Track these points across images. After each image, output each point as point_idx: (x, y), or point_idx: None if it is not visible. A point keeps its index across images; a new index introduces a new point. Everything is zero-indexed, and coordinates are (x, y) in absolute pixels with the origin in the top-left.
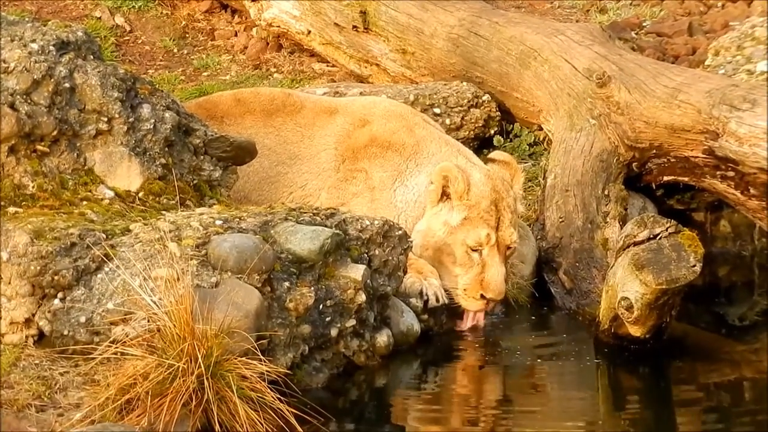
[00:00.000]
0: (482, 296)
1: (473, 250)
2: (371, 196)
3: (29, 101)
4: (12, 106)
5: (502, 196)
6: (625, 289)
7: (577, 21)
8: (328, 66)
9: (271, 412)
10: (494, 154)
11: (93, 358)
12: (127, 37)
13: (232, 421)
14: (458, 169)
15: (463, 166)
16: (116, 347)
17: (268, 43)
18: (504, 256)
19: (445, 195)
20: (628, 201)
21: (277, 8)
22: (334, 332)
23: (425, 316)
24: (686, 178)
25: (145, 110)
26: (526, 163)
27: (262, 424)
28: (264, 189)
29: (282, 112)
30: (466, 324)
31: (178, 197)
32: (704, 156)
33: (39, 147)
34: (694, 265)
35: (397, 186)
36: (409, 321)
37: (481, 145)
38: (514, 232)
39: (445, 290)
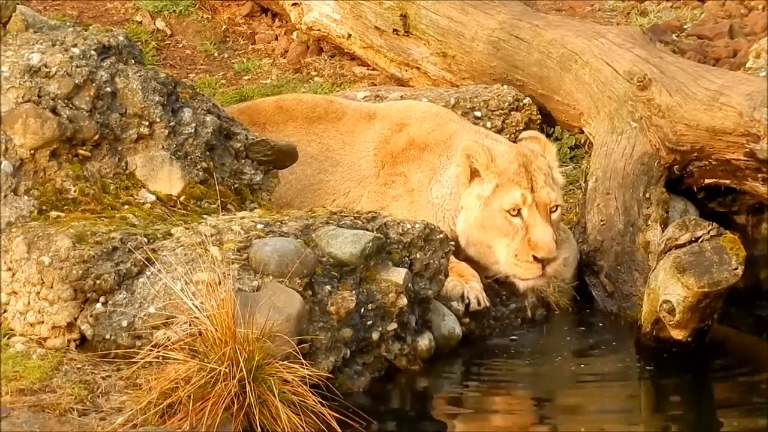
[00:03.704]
0: (534, 258)
1: (513, 216)
2: (410, 198)
3: (71, 106)
4: (53, 110)
5: (530, 160)
6: (667, 293)
7: (617, 24)
8: (368, 69)
9: (312, 415)
10: (523, 134)
11: (135, 362)
12: (167, 41)
13: (273, 424)
14: (477, 143)
15: (484, 143)
16: (158, 351)
17: (308, 47)
18: (547, 216)
19: (474, 174)
20: (670, 204)
21: (317, 12)
22: (375, 336)
23: (467, 320)
24: (727, 181)
25: (186, 114)
26: (567, 166)
27: (303, 428)
28: (307, 196)
29: (324, 120)
30: (525, 284)
31: (219, 201)
32: (745, 158)
33: (80, 151)
34: (736, 268)
35: (433, 184)
36: (450, 324)
37: None
38: (551, 192)
39: (497, 277)
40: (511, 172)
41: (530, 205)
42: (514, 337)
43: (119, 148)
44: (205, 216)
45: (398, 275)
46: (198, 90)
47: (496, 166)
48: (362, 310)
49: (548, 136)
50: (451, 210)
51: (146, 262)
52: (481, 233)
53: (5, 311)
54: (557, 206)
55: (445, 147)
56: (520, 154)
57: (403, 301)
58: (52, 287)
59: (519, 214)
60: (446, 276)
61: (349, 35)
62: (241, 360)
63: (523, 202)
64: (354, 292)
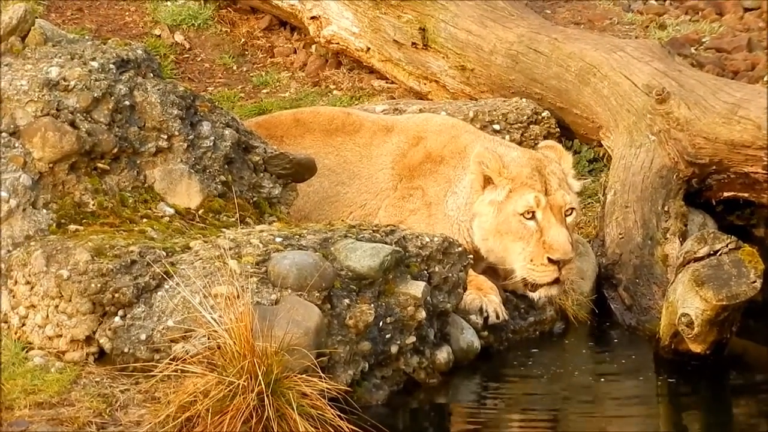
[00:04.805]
0: (550, 261)
1: (527, 219)
2: (428, 212)
3: (89, 119)
4: (72, 124)
5: (544, 164)
6: (686, 306)
7: (636, 37)
8: (387, 83)
9: (331, 429)
10: (540, 144)
11: (153, 376)
12: (186, 55)
13: None
14: (488, 150)
15: (497, 150)
16: (176, 364)
17: (327, 60)
18: (562, 219)
19: (487, 181)
20: (688, 217)
21: (336, 25)
22: (394, 349)
23: (485, 333)
24: (746, 194)
25: (205, 128)
26: (585, 179)
27: None
28: (324, 208)
29: (341, 132)
30: (539, 294)
31: (237, 214)
32: (764, 172)
33: (99, 165)
34: (755, 281)
35: (449, 196)
36: (469, 338)
37: None
38: (566, 195)
39: (515, 282)
40: (524, 176)
41: (544, 207)
42: (533, 350)
43: (138, 162)
44: (223, 229)
45: (417, 288)
46: (216, 103)
47: (508, 172)
48: (381, 323)
49: (567, 149)
50: (466, 221)
51: (165, 276)
52: (497, 239)
53: (24, 324)
54: (572, 209)
55: (460, 158)
56: (533, 159)
57: (422, 314)
58: (70, 301)
59: (533, 217)
60: (465, 289)
61: (368, 48)
62: (259, 373)
63: (537, 205)
64: (372, 305)
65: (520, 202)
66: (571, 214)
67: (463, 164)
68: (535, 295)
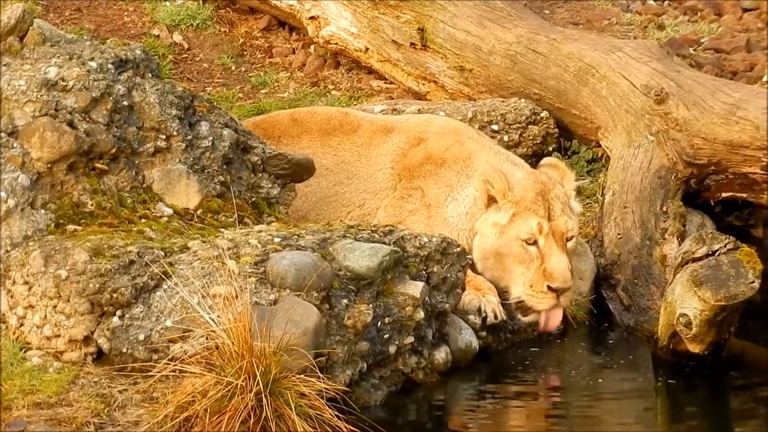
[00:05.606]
0: (549, 288)
1: (529, 244)
2: (428, 213)
3: (88, 119)
4: (71, 124)
5: (548, 188)
6: (684, 306)
7: (634, 38)
8: (386, 83)
9: (329, 429)
10: (543, 161)
11: (151, 376)
12: (185, 55)
13: None
14: (495, 170)
15: (503, 168)
16: (175, 365)
17: (325, 61)
18: (563, 245)
19: (491, 201)
20: (687, 217)
21: (335, 25)
22: (392, 349)
23: (484, 333)
24: (745, 195)
25: (204, 128)
26: (584, 179)
27: None
28: (322, 208)
29: (339, 132)
30: (542, 323)
31: (236, 215)
32: (762, 172)
33: (98, 165)
34: (753, 282)
35: (450, 201)
36: (467, 338)
37: (539, 162)
38: (569, 221)
39: (512, 302)
40: (528, 201)
41: (546, 234)
42: (531, 350)
43: (136, 162)
44: (222, 229)
45: (415, 289)
46: (215, 104)
47: (513, 195)
48: (379, 323)
49: (565, 149)
50: (466, 230)
51: (163, 276)
52: (497, 260)
53: (22, 325)
54: (574, 236)
55: (464, 165)
56: (538, 182)
57: (420, 314)
58: (68, 301)
59: (535, 243)
60: (463, 289)
61: (367, 49)
62: (257, 373)
63: (540, 232)
64: (371, 305)
65: (523, 228)
66: (571, 239)
67: (467, 172)
68: (526, 320)
